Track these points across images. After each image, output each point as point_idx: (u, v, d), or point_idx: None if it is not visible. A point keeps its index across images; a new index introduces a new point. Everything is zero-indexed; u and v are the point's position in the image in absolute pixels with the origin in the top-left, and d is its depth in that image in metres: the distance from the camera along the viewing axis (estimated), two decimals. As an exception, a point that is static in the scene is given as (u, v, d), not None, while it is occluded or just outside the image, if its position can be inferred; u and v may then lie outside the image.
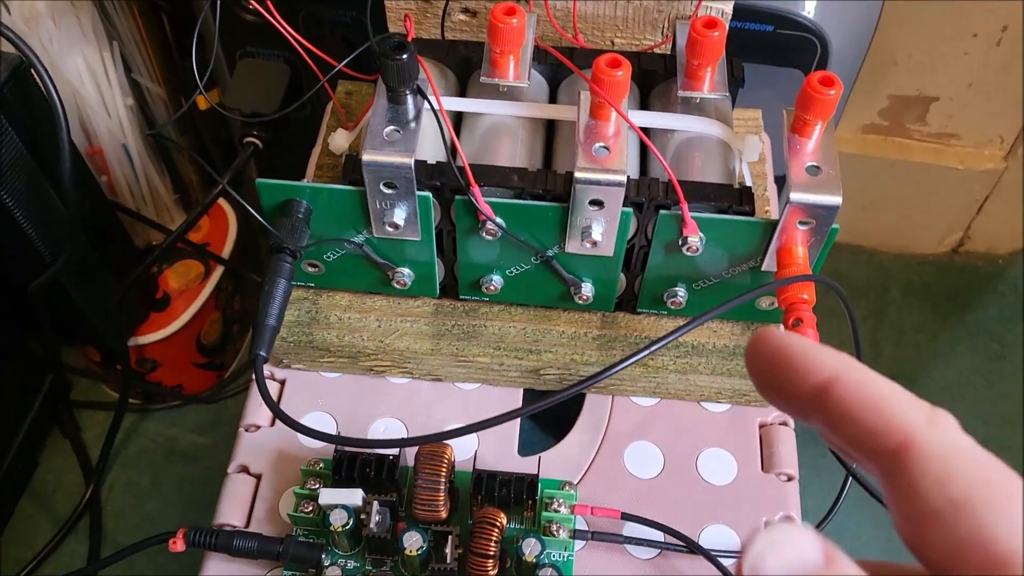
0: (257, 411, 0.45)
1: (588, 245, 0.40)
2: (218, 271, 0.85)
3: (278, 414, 0.36)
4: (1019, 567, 0.16)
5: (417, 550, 0.38)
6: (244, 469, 0.44)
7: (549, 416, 0.54)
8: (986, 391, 0.94)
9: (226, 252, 0.86)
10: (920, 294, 1.02)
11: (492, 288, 0.43)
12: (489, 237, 0.40)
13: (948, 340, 0.98)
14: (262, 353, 0.36)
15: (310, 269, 0.44)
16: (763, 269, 0.41)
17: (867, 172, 0.96)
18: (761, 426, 0.46)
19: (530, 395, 0.51)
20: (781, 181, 0.39)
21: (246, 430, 0.45)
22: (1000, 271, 1.04)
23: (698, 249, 0.40)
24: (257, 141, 0.70)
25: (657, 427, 0.45)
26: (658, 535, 0.41)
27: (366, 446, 0.35)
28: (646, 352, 0.35)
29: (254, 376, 0.36)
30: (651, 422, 0.45)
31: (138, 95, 0.78)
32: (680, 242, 0.40)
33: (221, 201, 0.89)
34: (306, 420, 0.45)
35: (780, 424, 0.45)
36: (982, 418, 0.92)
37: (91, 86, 0.73)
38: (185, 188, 0.87)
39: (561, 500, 0.40)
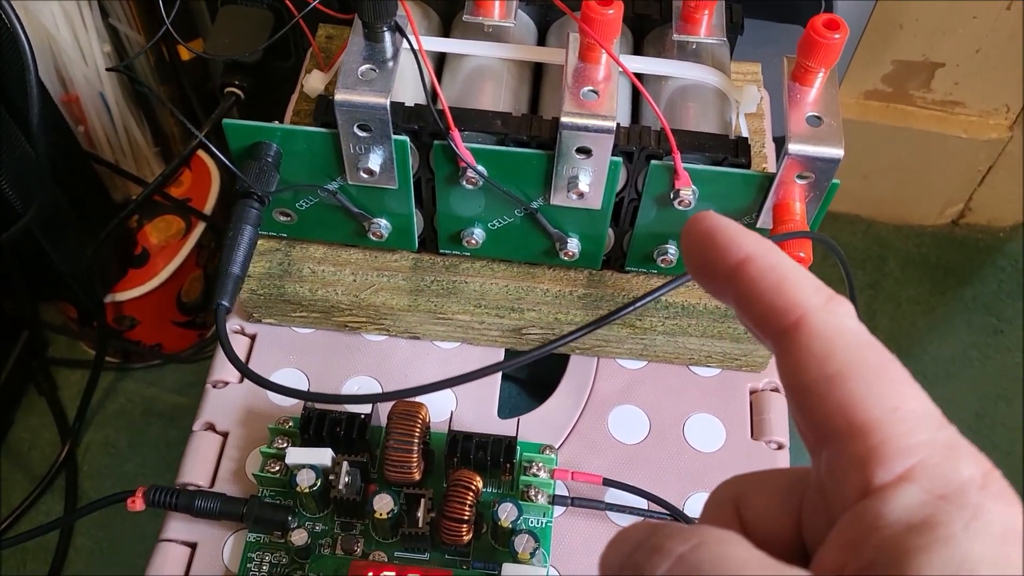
0: (224, 366, 0.43)
1: (574, 197, 0.37)
2: (199, 227, 0.83)
3: (241, 368, 0.34)
4: (879, 436, 0.17)
5: (388, 513, 0.36)
6: (210, 427, 0.42)
7: (532, 382, 0.52)
8: (983, 365, 0.93)
9: (208, 208, 0.84)
10: (918, 266, 1.00)
11: (473, 242, 0.41)
12: (470, 186, 0.38)
13: (945, 314, 0.97)
14: (224, 303, 0.34)
15: (282, 218, 0.41)
16: (758, 226, 0.39)
17: (868, 139, 0.93)
18: (752, 392, 0.44)
19: (512, 356, 0.49)
20: (780, 143, 0.37)
21: (213, 386, 0.43)
22: (1000, 244, 1.02)
23: (691, 203, 0.37)
24: (238, 91, 0.67)
25: (644, 391, 0.43)
26: (641, 502, 0.39)
27: (335, 402, 0.33)
28: (629, 309, 0.33)
29: (216, 328, 0.34)
30: (638, 386, 0.43)
31: (116, 42, 0.75)
32: (672, 195, 0.37)
33: (204, 156, 0.86)
34: (276, 377, 0.43)
35: (771, 391, 0.44)
36: (978, 393, 0.91)
37: (66, 31, 0.70)
38: (166, 140, 0.84)
39: (540, 464, 0.38)
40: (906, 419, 0.17)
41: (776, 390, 0.44)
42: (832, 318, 0.18)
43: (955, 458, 0.17)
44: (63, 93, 0.73)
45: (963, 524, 0.16)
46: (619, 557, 0.18)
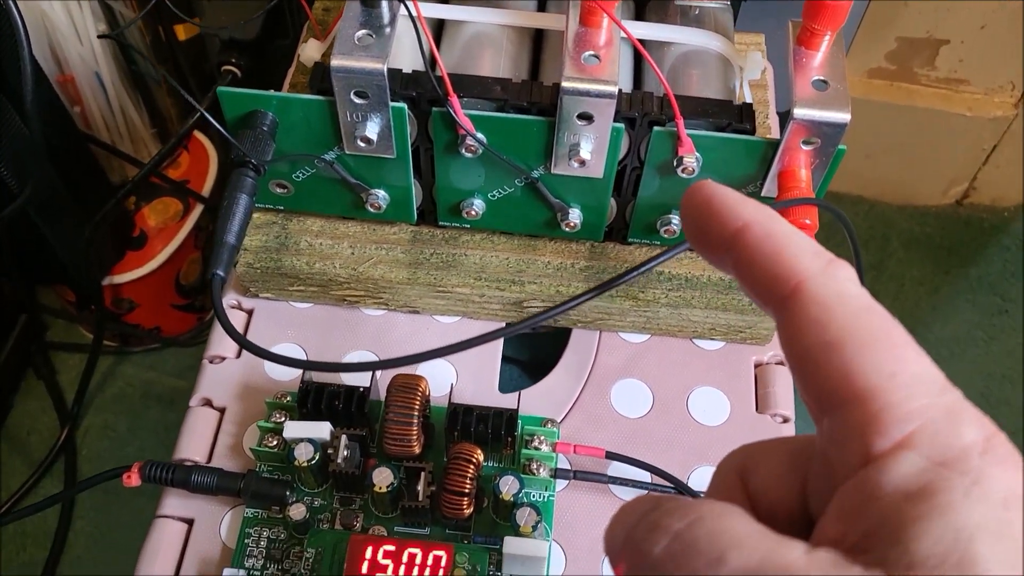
0: (221, 341, 0.42)
1: (576, 165, 0.37)
2: (197, 209, 0.82)
3: (237, 338, 0.33)
4: (877, 403, 0.16)
5: (387, 487, 0.35)
6: (207, 402, 0.41)
7: (532, 363, 0.51)
8: (987, 346, 0.92)
9: (206, 190, 0.83)
10: (922, 246, 1.00)
11: (473, 213, 0.40)
12: (469, 155, 0.37)
13: (949, 294, 0.96)
14: (220, 273, 0.34)
15: (278, 190, 0.41)
16: (763, 195, 0.38)
17: (871, 118, 0.92)
18: (757, 365, 0.43)
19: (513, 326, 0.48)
20: (784, 118, 0.36)
21: (210, 362, 0.42)
22: (1005, 224, 1.01)
23: (694, 171, 0.37)
24: (235, 69, 0.66)
25: (647, 364, 0.42)
26: (645, 476, 0.39)
27: (334, 370, 0.32)
28: (629, 277, 0.32)
29: (211, 298, 0.33)
30: (641, 359, 0.43)
31: (111, 20, 0.74)
32: (675, 163, 0.37)
33: (202, 138, 0.86)
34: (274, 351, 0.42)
35: (776, 364, 0.43)
36: (983, 373, 0.90)
37: (61, 10, 0.70)
38: (163, 122, 0.83)
39: (542, 437, 0.38)
40: (906, 384, 0.17)
41: (781, 363, 0.43)
42: (831, 282, 0.18)
43: (956, 423, 0.16)
44: (58, 73, 0.73)
45: (963, 491, 0.15)
46: (621, 533, 0.18)
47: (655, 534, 0.17)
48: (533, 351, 0.52)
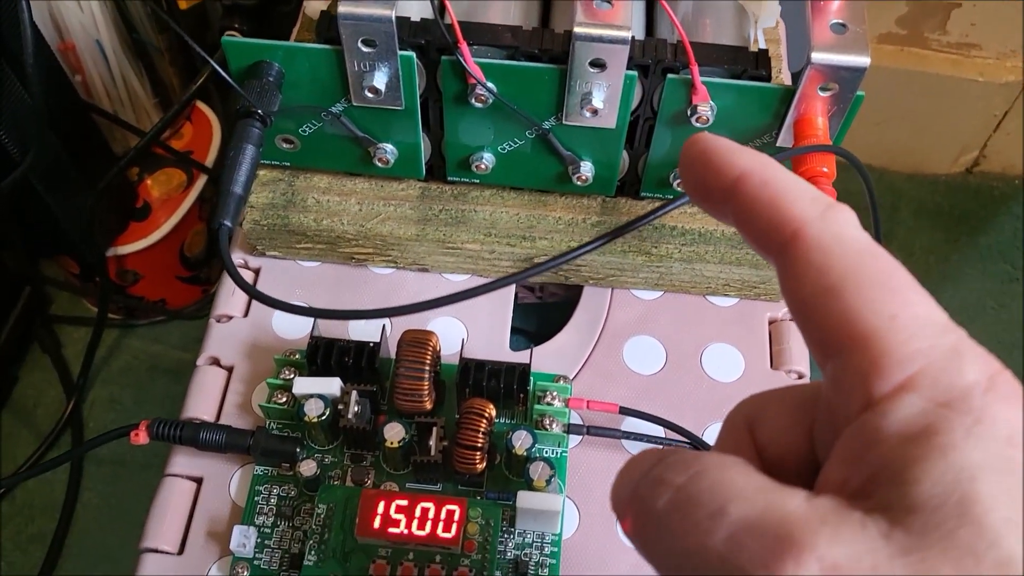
0: (228, 301, 0.42)
1: (588, 115, 0.36)
2: (201, 180, 0.82)
3: (246, 288, 0.32)
4: (878, 347, 0.16)
5: (399, 442, 0.35)
6: (215, 361, 0.41)
7: (541, 334, 0.51)
8: (997, 314, 0.91)
9: (209, 161, 0.82)
10: (932, 215, 0.99)
11: (483, 167, 0.39)
12: (479, 105, 0.36)
13: (959, 262, 0.95)
14: (227, 223, 0.33)
15: (285, 146, 0.40)
16: (779, 144, 0.37)
17: (881, 85, 0.91)
18: (771, 322, 0.42)
19: (524, 290, 0.48)
20: (796, 79, 0.35)
21: (217, 320, 0.42)
22: (1016, 192, 1.00)
23: (708, 120, 0.36)
24: (238, 34, 0.66)
25: (660, 321, 0.42)
26: (659, 431, 0.38)
27: (344, 318, 0.32)
28: (639, 224, 0.31)
29: (219, 249, 0.32)
30: (653, 316, 0.42)
31: (112, -12, 0.73)
32: (689, 112, 0.36)
33: (204, 109, 0.85)
34: (280, 312, 0.42)
35: (791, 320, 0.42)
36: (993, 341, 0.89)
37: (61, -25, 0.69)
38: (165, 92, 0.83)
39: (555, 393, 0.37)
40: (907, 327, 0.16)
41: (796, 319, 0.42)
42: (830, 227, 0.18)
43: (959, 363, 0.16)
44: (59, 40, 0.72)
45: (964, 430, 0.15)
46: (627, 488, 0.18)
47: (658, 488, 0.17)
48: (542, 322, 0.51)
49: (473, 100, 0.36)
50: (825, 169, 0.35)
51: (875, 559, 0.15)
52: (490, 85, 0.36)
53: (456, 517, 0.33)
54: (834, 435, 0.17)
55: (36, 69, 0.61)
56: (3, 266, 0.80)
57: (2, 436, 0.82)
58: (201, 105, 0.85)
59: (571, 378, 0.40)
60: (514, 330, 0.44)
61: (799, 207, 0.18)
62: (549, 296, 0.49)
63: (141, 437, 0.37)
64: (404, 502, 0.34)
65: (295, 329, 0.41)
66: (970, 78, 0.90)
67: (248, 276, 0.43)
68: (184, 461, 0.38)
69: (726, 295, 0.42)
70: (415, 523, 0.33)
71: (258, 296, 0.30)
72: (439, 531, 0.33)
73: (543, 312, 0.50)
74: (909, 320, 0.16)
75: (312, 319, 0.41)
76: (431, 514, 0.33)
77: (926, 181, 1.01)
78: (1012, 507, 0.14)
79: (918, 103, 0.93)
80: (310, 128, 0.39)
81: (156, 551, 0.36)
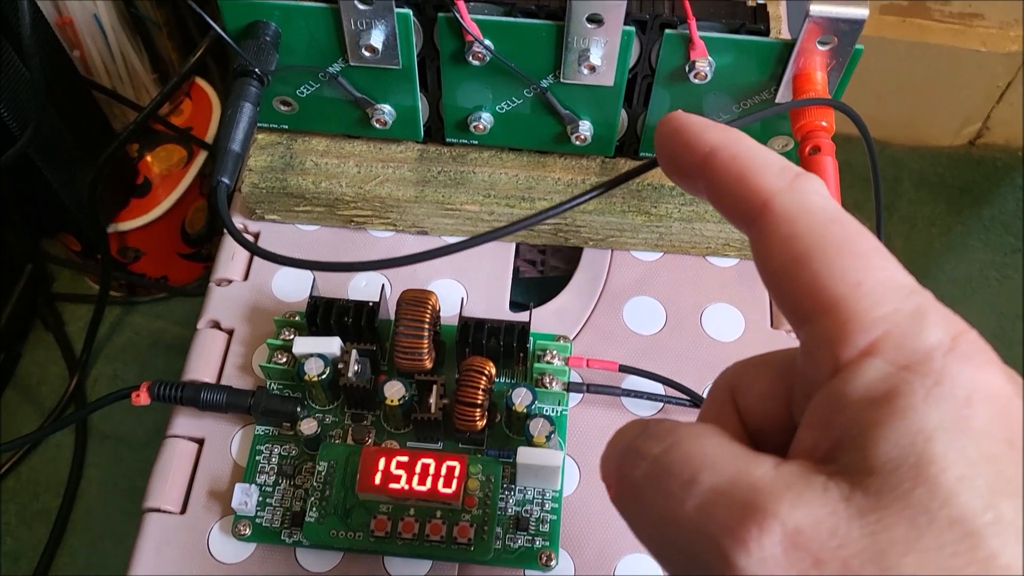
0: (228, 264, 0.42)
1: (586, 72, 0.36)
2: (201, 156, 0.81)
3: (246, 245, 0.32)
4: (846, 311, 0.17)
5: (399, 400, 0.35)
6: (215, 324, 0.41)
7: (547, 302, 0.51)
8: (1000, 285, 0.91)
9: (209, 137, 0.82)
10: (934, 187, 0.98)
11: (481, 127, 0.39)
12: (476, 63, 0.36)
13: (961, 234, 0.95)
14: (225, 180, 0.33)
15: (283, 108, 0.40)
16: (777, 100, 0.37)
17: (883, 56, 0.91)
18: (771, 282, 0.42)
19: (526, 264, 0.48)
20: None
21: (217, 284, 0.42)
22: (1018, 164, 1.00)
23: (707, 76, 0.36)
24: (235, 6, 0.65)
25: (659, 282, 0.42)
26: (659, 389, 0.38)
27: (345, 270, 0.32)
28: (636, 176, 0.31)
29: (217, 206, 0.32)
30: (653, 277, 0.42)
31: (109, -38, 0.73)
32: (687, 68, 0.36)
33: (204, 85, 0.85)
34: (281, 275, 0.42)
35: (791, 280, 0.42)
36: (995, 312, 0.89)
37: (57, -51, 0.68)
38: (164, 68, 0.82)
39: (555, 352, 0.37)
40: (872, 292, 0.17)
41: (796, 279, 0.42)
42: (797, 196, 0.18)
43: (921, 324, 0.16)
44: (56, 15, 0.71)
45: (924, 392, 0.15)
46: (611, 460, 0.19)
47: (636, 459, 0.18)
48: (543, 296, 0.51)
49: (470, 58, 0.36)
50: (824, 123, 0.35)
51: (835, 521, 0.15)
52: (487, 42, 0.35)
53: (457, 473, 0.33)
54: (807, 401, 0.17)
55: (34, 43, 0.61)
56: (5, 244, 0.80)
57: (7, 413, 0.82)
58: (200, 82, 0.84)
59: (571, 339, 0.40)
60: (515, 304, 0.44)
61: (767, 179, 0.18)
62: (551, 270, 0.49)
63: (142, 398, 0.37)
64: (405, 458, 0.34)
65: (295, 292, 0.41)
66: (973, 48, 0.90)
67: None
68: (185, 423, 0.38)
69: (726, 255, 0.42)
70: (416, 479, 0.33)
71: (257, 251, 0.30)
72: (440, 487, 0.33)
73: (544, 287, 0.50)
74: (874, 285, 0.17)
75: (311, 281, 0.41)
76: (432, 470, 0.33)
77: (928, 153, 1.01)
78: (966, 466, 0.15)
79: (921, 75, 0.93)
80: (308, 89, 0.39)
81: (159, 511, 0.36)
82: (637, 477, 0.18)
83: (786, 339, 0.40)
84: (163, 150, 0.81)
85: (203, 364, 0.39)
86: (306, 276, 0.41)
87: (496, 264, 0.42)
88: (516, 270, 0.45)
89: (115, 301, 0.88)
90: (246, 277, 0.42)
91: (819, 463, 0.16)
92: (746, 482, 0.16)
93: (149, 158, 0.80)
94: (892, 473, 0.15)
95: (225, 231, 0.42)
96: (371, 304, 0.37)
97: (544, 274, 0.50)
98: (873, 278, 0.17)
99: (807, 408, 0.17)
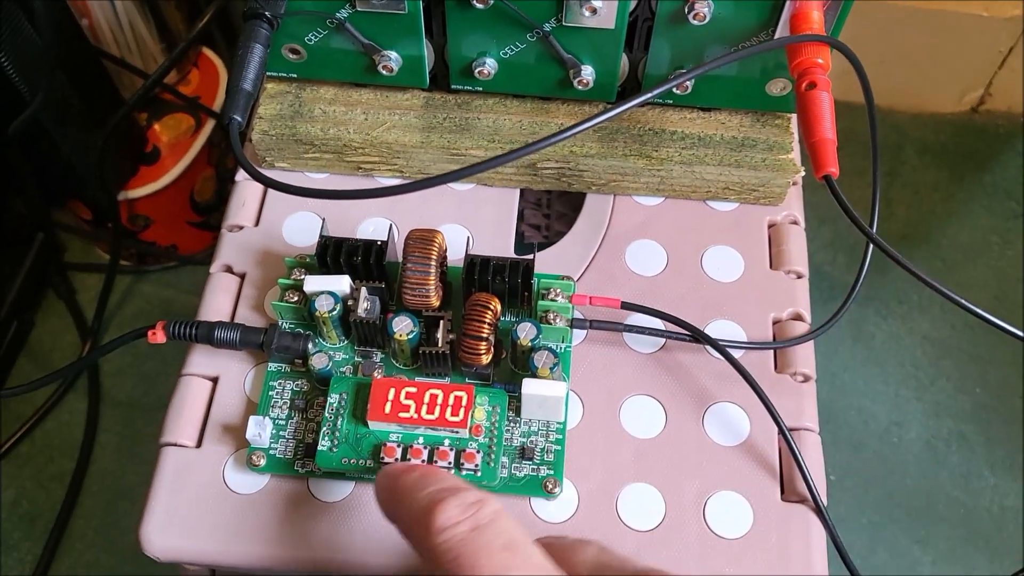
0: (240, 211, 0.43)
1: (587, 14, 0.37)
2: (209, 124, 0.82)
3: (260, 178, 0.33)
4: None
5: (408, 334, 0.36)
6: (227, 268, 0.42)
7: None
8: (1002, 250, 0.92)
9: (217, 105, 0.83)
10: (936, 154, 0.99)
11: (485, 73, 0.40)
12: (480, 6, 0.37)
13: (963, 199, 0.95)
14: (237, 117, 0.34)
15: (291, 56, 0.41)
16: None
17: (884, 22, 0.91)
18: (770, 225, 0.43)
19: (530, 228, 0.48)
20: None
21: (229, 231, 0.43)
22: (1019, 130, 1.00)
23: (705, 17, 0.36)
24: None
25: (661, 225, 0.43)
26: (660, 325, 0.39)
27: (355, 197, 0.32)
28: (630, 105, 0.32)
29: (230, 143, 0.33)
30: (654, 221, 0.43)
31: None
32: (686, 10, 0.37)
33: (211, 55, 0.86)
34: (291, 220, 0.43)
35: (790, 223, 0.43)
36: (998, 277, 0.90)
37: (65, -83, 0.69)
38: (172, 38, 0.83)
39: (558, 290, 0.38)
40: None
41: (795, 222, 0.43)
42: None
43: None
44: (65, -17, 0.72)
45: None
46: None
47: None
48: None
49: (474, 1, 0.37)
50: (820, 60, 0.35)
51: None
52: (491, -16, 0.36)
53: (464, 402, 0.34)
54: None
55: (44, 9, 0.62)
56: (16, 213, 0.81)
57: (20, 380, 0.84)
58: (207, 51, 0.85)
59: (575, 280, 0.41)
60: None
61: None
62: (555, 235, 0.50)
63: (158, 336, 0.38)
64: (413, 389, 0.35)
65: (305, 237, 0.42)
66: (974, 13, 0.90)
67: (257, 189, 0.44)
68: (200, 362, 0.39)
69: (726, 199, 0.43)
70: (424, 408, 0.34)
71: (271, 183, 0.31)
72: (447, 415, 0.34)
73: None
74: None
75: (321, 226, 0.42)
76: (439, 400, 0.34)
77: (931, 121, 1.01)
78: None
79: (921, 40, 0.93)
80: (316, 37, 0.40)
81: (175, 445, 0.37)
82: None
83: (785, 280, 0.41)
84: (171, 119, 0.82)
85: (216, 306, 0.40)
86: (316, 221, 0.42)
87: (501, 210, 0.43)
88: (520, 235, 0.46)
89: (125, 270, 0.89)
90: (257, 223, 0.43)
91: None
92: None
93: (158, 127, 0.81)
94: None
95: (236, 178, 0.44)
96: (380, 243, 0.37)
97: (549, 239, 0.51)
98: None
99: None
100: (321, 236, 0.38)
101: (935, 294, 0.34)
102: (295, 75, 0.42)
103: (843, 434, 0.83)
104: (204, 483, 0.36)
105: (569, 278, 0.39)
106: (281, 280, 0.38)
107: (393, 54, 0.40)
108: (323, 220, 0.38)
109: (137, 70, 0.78)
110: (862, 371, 0.86)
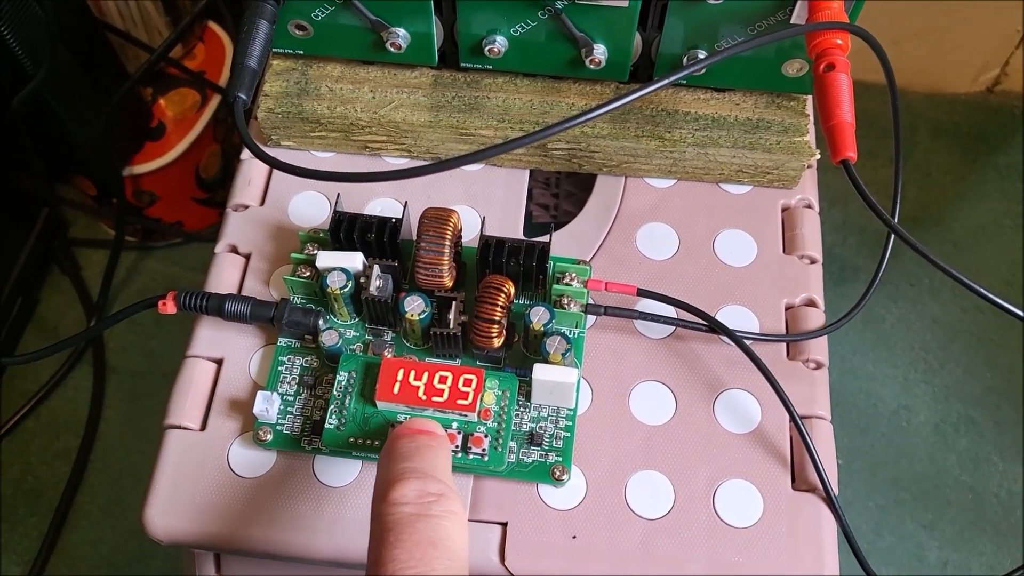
0: (245, 190, 0.42)
1: (601, -9, 0.36)
2: (215, 100, 0.82)
3: (262, 156, 0.33)
4: None
5: (419, 314, 0.35)
6: (233, 249, 0.41)
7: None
8: (1014, 233, 0.91)
9: (223, 81, 0.82)
10: (949, 135, 0.98)
11: (495, 50, 0.39)
12: (491, -18, 0.36)
13: (976, 182, 0.94)
14: (242, 95, 0.33)
15: (297, 32, 0.40)
16: (793, 21, 0.37)
17: (897, 1, 0.90)
18: (784, 209, 0.43)
19: (539, 208, 0.48)
20: None
21: (234, 210, 0.42)
22: (1036, 112, 0.99)
23: (722, -5, 0.36)
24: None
25: (673, 208, 0.42)
26: (673, 313, 0.38)
27: (366, 180, 0.32)
28: (643, 93, 0.31)
29: (235, 122, 0.33)
30: (667, 203, 0.42)
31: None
32: (703, -13, 0.36)
33: (216, 29, 0.85)
34: (297, 200, 0.42)
35: (804, 207, 0.42)
36: (1008, 260, 0.89)
37: None
38: (178, 13, 0.82)
39: (574, 274, 0.38)
40: None
41: (809, 206, 0.42)
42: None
43: None
44: (69, -45, 0.71)
45: None
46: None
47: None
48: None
49: (486, -24, 0.36)
50: (839, 41, 0.35)
51: None
52: (503, -40, 0.35)
53: (474, 385, 0.34)
54: None
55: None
56: (21, 188, 0.81)
57: (26, 356, 0.84)
58: (213, 26, 0.84)
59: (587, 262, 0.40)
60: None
61: None
62: (564, 215, 0.49)
63: (169, 307, 0.38)
64: (424, 370, 0.34)
65: (311, 217, 0.42)
66: (990, -8, 0.88)
67: (262, 168, 0.43)
68: (205, 343, 0.39)
69: (739, 182, 0.42)
70: (433, 390, 0.34)
71: (277, 164, 0.30)
72: (457, 398, 0.34)
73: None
74: None
75: (327, 206, 0.41)
76: (449, 382, 0.34)
77: (944, 101, 1.00)
78: None
79: (937, 19, 0.92)
80: (322, 13, 0.39)
81: (180, 427, 0.37)
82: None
83: (799, 264, 0.41)
84: (177, 94, 0.82)
85: (223, 285, 0.40)
86: (322, 201, 0.42)
87: (510, 190, 0.43)
88: (529, 214, 0.45)
89: (131, 246, 0.89)
90: (262, 202, 0.42)
91: None
92: None
93: (163, 102, 0.81)
94: None
95: (241, 156, 0.43)
96: (394, 220, 0.37)
97: (557, 219, 0.50)
98: None
99: None
100: (335, 212, 0.37)
101: (945, 277, 0.33)
102: (301, 52, 0.41)
103: (851, 417, 0.82)
104: (208, 466, 0.36)
105: (585, 262, 0.39)
106: (294, 255, 0.38)
107: (401, 31, 0.39)
108: (338, 195, 0.37)
109: (142, 44, 0.77)
110: (871, 354, 0.85)
